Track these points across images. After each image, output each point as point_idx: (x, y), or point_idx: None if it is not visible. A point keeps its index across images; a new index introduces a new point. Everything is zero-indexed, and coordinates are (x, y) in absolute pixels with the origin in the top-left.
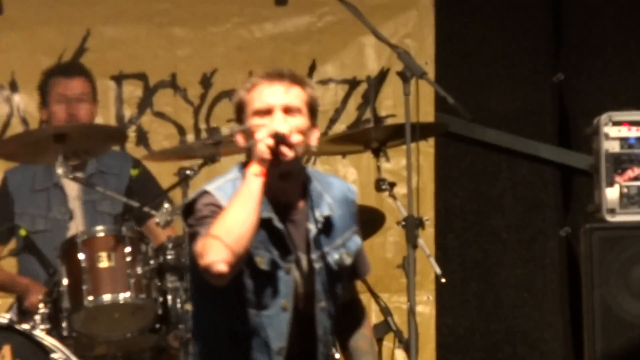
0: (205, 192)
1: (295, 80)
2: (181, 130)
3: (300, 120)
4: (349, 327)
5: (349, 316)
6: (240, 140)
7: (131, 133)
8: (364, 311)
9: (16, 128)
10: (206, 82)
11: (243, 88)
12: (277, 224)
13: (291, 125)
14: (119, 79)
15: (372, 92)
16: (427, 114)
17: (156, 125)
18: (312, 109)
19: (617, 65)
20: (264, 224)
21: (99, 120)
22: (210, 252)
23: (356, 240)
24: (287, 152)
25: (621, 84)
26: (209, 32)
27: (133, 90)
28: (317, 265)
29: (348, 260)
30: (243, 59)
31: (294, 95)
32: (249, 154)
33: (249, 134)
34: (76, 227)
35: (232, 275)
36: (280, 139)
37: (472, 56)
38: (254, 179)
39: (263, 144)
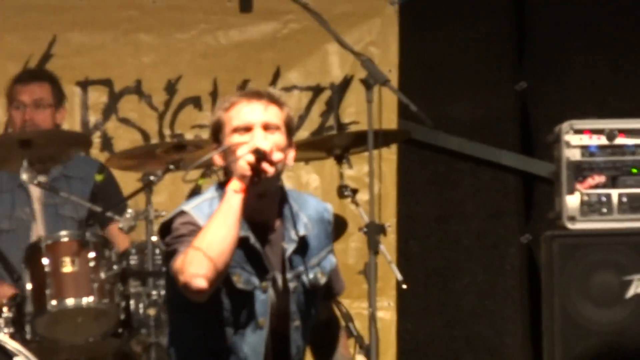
0: (182, 212)
1: (273, 99)
2: (146, 136)
3: (280, 138)
4: (327, 346)
5: (326, 335)
6: (218, 160)
7: (96, 139)
8: (341, 330)
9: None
10: (171, 88)
11: (220, 108)
12: (254, 243)
13: (272, 142)
14: (84, 84)
15: (335, 99)
16: (390, 121)
17: (121, 131)
18: (289, 128)
19: (579, 74)
20: (240, 243)
21: (64, 126)
22: (190, 268)
23: (331, 260)
24: (268, 169)
25: (583, 92)
26: (175, 38)
27: (98, 97)
28: (292, 285)
29: (322, 280)
30: (208, 66)
31: (273, 114)
32: (227, 173)
33: (228, 153)
34: (38, 230)
35: (211, 291)
36: (261, 155)
37: (436, 64)
38: (234, 195)
39: (244, 161)
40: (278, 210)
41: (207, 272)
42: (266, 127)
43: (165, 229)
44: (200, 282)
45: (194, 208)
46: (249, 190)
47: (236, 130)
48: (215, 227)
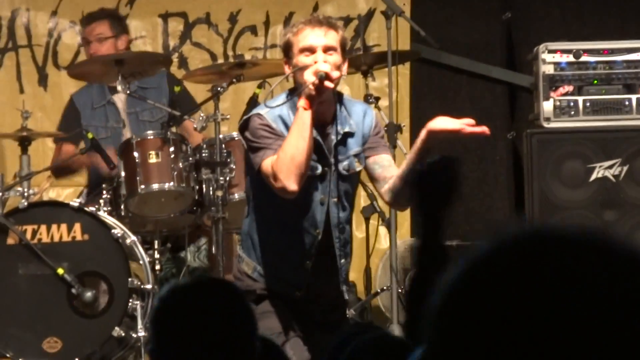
0: (258, 115)
1: (331, 25)
2: (213, 57)
3: (337, 58)
4: (398, 172)
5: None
6: (294, 72)
7: (175, 59)
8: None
9: (84, 55)
10: (233, 19)
11: (290, 31)
12: (316, 136)
13: (331, 64)
14: (165, 17)
15: (361, 27)
16: (404, 43)
17: (194, 53)
18: (344, 47)
19: (552, 6)
20: None
21: (148, 49)
22: (282, 176)
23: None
24: (329, 85)
25: (555, 21)
26: None
27: (176, 26)
28: (333, 168)
29: (358, 167)
30: (262, 1)
31: (331, 37)
32: (295, 81)
33: (298, 72)
34: (127, 133)
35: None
36: (323, 77)
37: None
38: (305, 113)
39: (311, 83)
40: (333, 112)
41: (296, 178)
42: (326, 49)
43: (244, 125)
44: (293, 187)
45: (267, 112)
46: (314, 105)
47: (302, 50)
48: (295, 140)
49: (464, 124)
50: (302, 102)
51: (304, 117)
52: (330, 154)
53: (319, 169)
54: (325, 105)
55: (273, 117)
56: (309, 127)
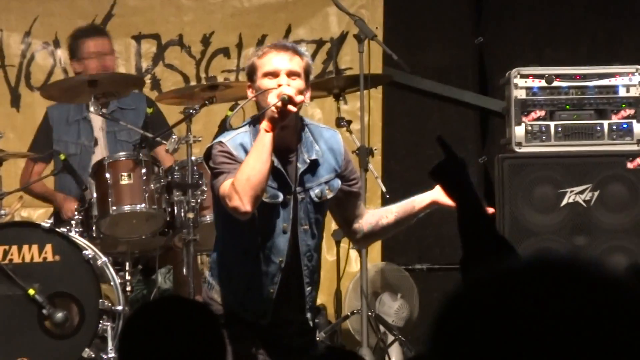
0: (220, 142)
1: (296, 51)
2: (186, 78)
3: (300, 83)
4: (376, 219)
5: (369, 218)
6: (258, 96)
7: (147, 80)
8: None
9: (58, 76)
10: (206, 41)
11: (254, 55)
12: (277, 164)
13: (294, 88)
14: (138, 38)
15: (334, 50)
16: (376, 67)
17: (167, 74)
18: (308, 74)
19: (524, 31)
20: None
21: (121, 70)
22: (236, 196)
23: (338, 182)
24: (292, 109)
25: (527, 46)
26: (209, 2)
27: (149, 47)
28: (300, 197)
29: (329, 195)
30: (235, 24)
31: (296, 63)
32: (258, 107)
33: (260, 96)
34: (100, 152)
35: (253, 211)
36: (286, 100)
37: (412, 23)
38: (266, 135)
39: (274, 107)
40: (297, 138)
41: (251, 198)
42: (290, 74)
43: (208, 154)
44: (247, 207)
45: (229, 140)
46: (276, 127)
47: (266, 74)
48: (254, 161)
49: None
50: (264, 124)
51: (265, 139)
52: (294, 182)
53: (280, 197)
54: (287, 131)
55: (234, 144)
56: (268, 149)
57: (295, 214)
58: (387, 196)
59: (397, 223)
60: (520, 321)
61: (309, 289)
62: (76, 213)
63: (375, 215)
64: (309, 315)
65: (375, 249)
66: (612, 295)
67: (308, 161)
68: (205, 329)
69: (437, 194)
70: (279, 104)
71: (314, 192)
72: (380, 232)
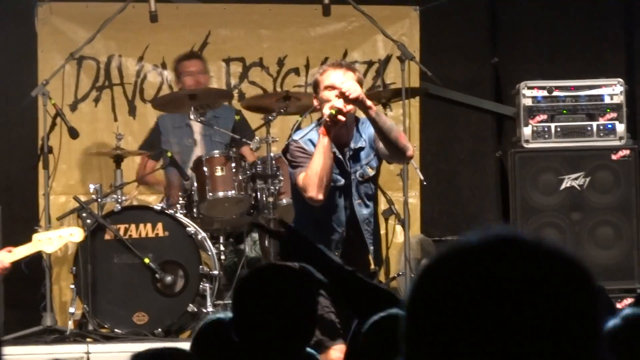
0: (294, 140)
1: (349, 67)
2: (265, 92)
3: None
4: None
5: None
6: (317, 104)
7: (235, 94)
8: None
9: (165, 91)
10: (280, 63)
11: (317, 72)
12: (338, 155)
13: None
14: (227, 61)
15: (381, 69)
16: (414, 82)
17: (250, 89)
18: (360, 86)
19: (531, 52)
20: None
21: (214, 86)
22: (310, 188)
23: (377, 159)
24: (341, 119)
25: (533, 64)
26: (283, 32)
27: (236, 68)
28: (352, 177)
29: (371, 173)
30: (303, 49)
31: (349, 77)
32: (321, 110)
33: (322, 105)
34: (199, 150)
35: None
36: (337, 110)
37: (442, 46)
38: (324, 138)
39: (328, 116)
40: (352, 132)
41: (321, 190)
42: None
43: (286, 149)
44: (319, 197)
45: (301, 138)
46: (331, 132)
47: (326, 87)
48: (318, 159)
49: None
50: (321, 130)
51: (323, 142)
52: (348, 168)
53: (342, 181)
54: (345, 129)
55: (304, 140)
56: (328, 150)
57: (350, 192)
58: (425, 183)
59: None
60: (473, 290)
61: (372, 247)
62: (180, 198)
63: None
64: (373, 268)
65: (415, 224)
66: (551, 267)
67: (353, 149)
68: (301, 289)
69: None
70: (332, 114)
71: (358, 173)
72: (388, 139)
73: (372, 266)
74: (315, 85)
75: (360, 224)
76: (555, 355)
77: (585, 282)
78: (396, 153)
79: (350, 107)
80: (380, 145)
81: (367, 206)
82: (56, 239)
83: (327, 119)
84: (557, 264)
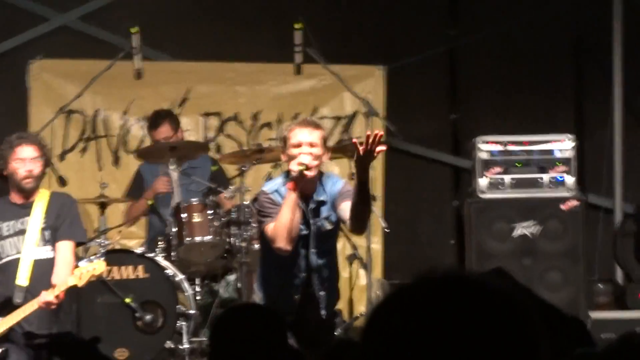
0: (263, 191)
1: (315, 125)
2: (240, 145)
3: (318, 150)
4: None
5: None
6: (285, 160)
7: (212, 146)
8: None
9: (146, 143)
10: (255, 117)
11: (286, 130)
12: (302, 206)
13: (313, 154)
14: (206, 115)
15: (348, 123)
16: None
17: (226, 142)
18: (325, 142)
19: (487, 109)
20: None
21: (192, 138)
22: (278, 239)
23: (335, 215)
24: (308, 174)
25: (488, 120)
26: (257, 89)
27: (213, 122)
28: (312, 228)
29: (329, 227)
30: (276, 105)
31: (315, 135)
32: (288, 166)
33: (289, 161)
34: (177, 198)
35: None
36: (305, 167)
37: (404, 104)
38: (292, 194)
39: (295, 172)
40: (314, 186)
41: (289, 240)
42: (311, 145)
43: (255, 199)
44: (287, 247)
45: (269, 189)
46: (298, 186)
47: (293, 145)
48: (286, 213)
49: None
50: (289, 185)
51: (291, 197)
52: (310, 218)
53: (304, 231)
54: (310, 183)
55: (273, 192)
56: (295, 204)
57: (309, 241)
58: (387, 230)
59: (355, 198)
60: (417, 326)
61: (322, 293)
62: (160, 243)
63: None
64: (322, 312)
65: (377, 268)
66: (489, 303)
67: (316, 202)
68: (272, 325)
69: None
70: (298, 171)
71: (318, 225)
72: (352, 213)
73: (320, 312)
74: (283, 141)
75: (312, 273)
76: None
77: (522, 320)
78: (359, 225)
79: (315, 162)
80: (342, 209)
81: (321, 256)
82: (85, 273)
83: (296, 173)
84: (496, 300)
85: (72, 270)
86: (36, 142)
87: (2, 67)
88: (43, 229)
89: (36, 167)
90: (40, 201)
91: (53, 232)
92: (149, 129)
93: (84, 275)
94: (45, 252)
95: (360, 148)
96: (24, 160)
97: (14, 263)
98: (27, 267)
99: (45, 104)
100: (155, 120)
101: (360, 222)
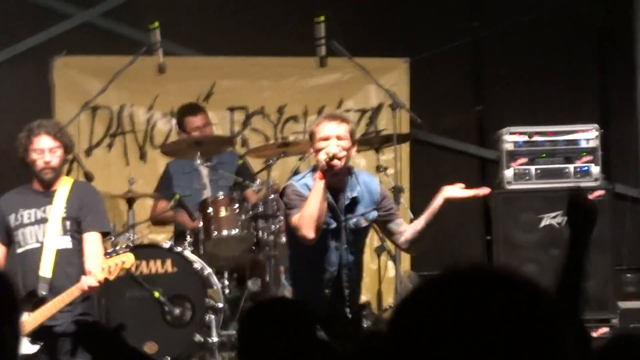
0: (291, 184)
1: (343, 119)
2: (266, 138)
3: (346, 143)
4: (413, 229)
5: (410, 230)
6: (313, 154)
7: (238, 140)
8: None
9: (173, 137)
10: (281, 111)
11: (314, 124)
12: (331, 201)
13: (340, 147)
14: (232, 109)
15: (374, 116)
16: (405, 128)
17: (252, 136)
18: (352, 135)
19: (512, 100)
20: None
21: (219, 133)
22: (303, 227)
23: (374, 214)
24: (336, 163)
25: (514, 111)
26: (282, 83)
27: (239, 116)
28: (345, 224)
29: (364, 224)
30: (301, 98)
31: (342, 129)
32: (316, 159)
33: (317, 153)
34: (208, 193)
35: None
36: (332, 156)
37: (430, 95)
38: (319, 182)
39: (323, 162)
40: (345, 181)
41: (313, 229)
42: (338, 137)
43: (282, 192)
44: (311, 235)
45: (297, 182)
46: (327, 176)
47: (321, 139)
48: (313, 201)
49: (472, 192)
50: (317, 175)
51: (318, 186)
52: (341, 213)
53: (333, 224)
54: (339, 177)
55: (301, 185)
56: (322, 192)
57: (341, 236)
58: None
59: (428, 225)
60: (451, 317)
61: (347, 291)
62: (188, 237)
63: (412, 227)
64: (347, 310)
65: (406, 260)
66: (521, 298)
67: (349, 198)
68: (300, 319)
69: (446, 193)
70: (327, 159)
71: (352, 222)
72: (419, 237)
73: (345, 310)
74: (311, 135)
75: (342, 269)
76: None
77: (549, 312)
78: (420, 247)
79: (343, 153)
80: (398, 229)
81: (352, 254)
82: (114, 267)
83: (324, 163)
84: (523, 292)
85: (101, 261)
86: (55, 131)
87: (26, 64)
88: (64, 219)
89: (54, 158)
90: (62, 190)
91: (74, 223)
92: (183, 118)
93: (113, 269)
94: (66, 242)
95: (466, 195)
96: (43, 150)
97: (34, 252)
98: (50, 258)
99: (70, 100)
100: (192, 108)
101: (424, 245)
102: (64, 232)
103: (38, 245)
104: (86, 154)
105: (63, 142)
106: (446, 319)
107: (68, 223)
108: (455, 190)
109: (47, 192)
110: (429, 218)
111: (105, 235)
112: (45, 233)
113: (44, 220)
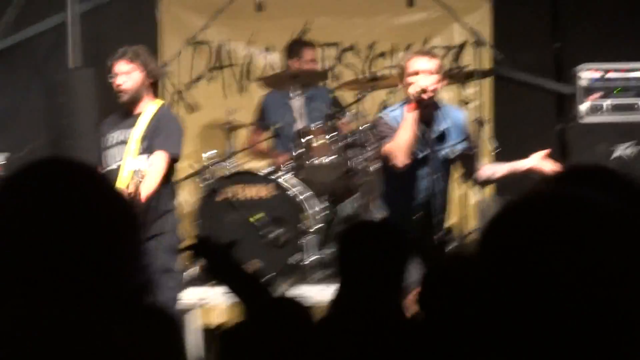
0: (381, 116)
1: (433, 55)
2: (357, 73)
3: (434, 77)
4: (490, 172)
5: (486, 170)
6: (404, 87)
7: (330, 75)
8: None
9: (268, 72)
10: (370, 48)
11: (404, 59)
12: (421, 131)
13: (430, 81)
14: (323, 46)
15: (458, 52)
16: (486, 64)
17: (344, 70)
18: (441, 71)
19: (586, 38)
20: None
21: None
22: (395, 154)
23: (462, 145)
24: (426, 97)
25: (589, 48)
26: (372, 20)
27: (331, 52)
28: (434, 155)
29: (452, 155)
30: (389, 36)
31: (433, 64)
32: (406, 92)
33: (408, 86)
34: (300, 124)
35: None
36: (423, 90)
37: (510, 33)
38: (410, 114)
39: (414, 94)
40: (433, 114)
41: (404, 155)
42: (429, 72)
43: (374, 125)
44: (403, 163)
45: (387, 115)
46: (417, 108)
47: (412, 73)
48: (403, 132)
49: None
50: (408, 107)
51: (409, 117)
52: (431, 144)
53: (424, 154)
54: (428, 109)
55: (391, 117)
56: (412, 123)
57: (430, 165)
58: (498, 150)
59: (503, 177)
60: (538, 237)
61: (435, 217)
62: (282, 165)
63: (489, 169)
64: (434, 234)
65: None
66: (611, 222)
67: (439, 130)
68: (396, 242)
69: (535, 162)
70: (418, 92)
71: (442, 153)
72: (492, 181)
73: (434, 232)
74: (402, 70)
75: (431, 195)
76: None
77: (634, 235)
78: (481, 184)
79: (433, 86)
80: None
81: (440, 182)
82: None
83: (415, 94)
84: (604, 216)
85: (158, 180)
86: (129, 56)
87: (133, 1)
88: (142, 139)
89: (128, 81)
90: (147, 113)
91: (149, 142)
92: (301, 48)
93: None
94: (142, 163)
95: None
96: (117, 74)
97: (113, 173)
98: (126, 179)
99: (174, 36)
100: (309, 42)
101: (486, 185)
102: (141, 151)
103: (116, 166)
104: (187, 87)
105: (139, 65)
106: (533, 240)
107: (145, 143)
108: (544, 164)
109: (132, 115)
110: (507, 174)
111: (173, 159)
112: (124, 155)
113: (124, 142)
